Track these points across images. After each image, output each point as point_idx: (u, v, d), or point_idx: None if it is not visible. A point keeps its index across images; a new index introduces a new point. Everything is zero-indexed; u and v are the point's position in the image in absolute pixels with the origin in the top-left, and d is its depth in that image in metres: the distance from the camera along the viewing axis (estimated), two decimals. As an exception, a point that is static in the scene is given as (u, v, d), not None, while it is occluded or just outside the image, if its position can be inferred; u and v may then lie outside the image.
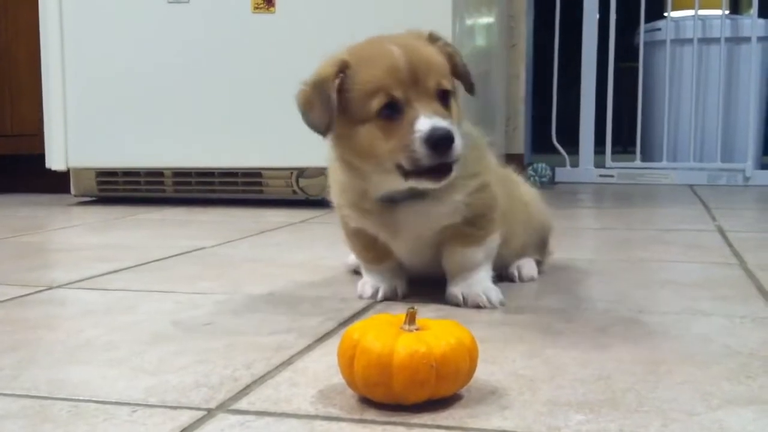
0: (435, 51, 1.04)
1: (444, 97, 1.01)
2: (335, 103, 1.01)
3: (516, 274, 1.29)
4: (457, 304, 1.12)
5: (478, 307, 1.10)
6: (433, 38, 1.07)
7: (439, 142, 0.95)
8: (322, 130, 1.05)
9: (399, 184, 1.02)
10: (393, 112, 0.98)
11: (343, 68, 1.02)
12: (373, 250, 1.16)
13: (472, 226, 1.11)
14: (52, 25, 2.52)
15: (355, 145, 1.03)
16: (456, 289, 1.13)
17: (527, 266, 1.31)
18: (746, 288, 1.23)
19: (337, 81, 1.01)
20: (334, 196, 1.16)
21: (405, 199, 1.07)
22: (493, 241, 1.14)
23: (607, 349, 0.90)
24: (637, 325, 1.01)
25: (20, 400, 0.75)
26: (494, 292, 1.12)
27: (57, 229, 2.01)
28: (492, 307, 1.10)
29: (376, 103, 0.98)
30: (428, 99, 0.98)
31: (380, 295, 1.16)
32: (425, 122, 0.96)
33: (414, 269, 1.20)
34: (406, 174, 0.99)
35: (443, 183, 1.00)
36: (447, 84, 1.01)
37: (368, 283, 1.18)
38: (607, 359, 0.86)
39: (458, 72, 1.07)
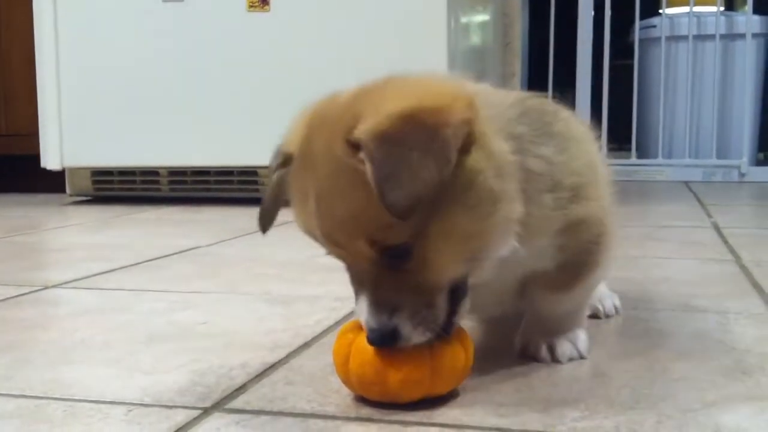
0: (362, 190, 0.63)
1: (398, 253, 0.66)
2: (277, 204, 0.81)
3: (600, 308, 1.03)
4: (534, 358, 0.84)
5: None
6: (352, 144, 0.64)
7: (379, 345, 0.69)
8: (261, 226, 0.84)
9: None
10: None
11: (285, 163, 0.75)
12: None
13: (567, 273, 0.80)
14: (47, 25, 2.51)
15: None
16: (533, 336, 0.85)
17: (608, 299, 1.05)
18: (741, 284, 1.23)
19: (278, 179, 0.77)
20: None
21: None
22: (598, 275, 0.85)
23: (602, 347, 0.90)
24: (632, 321, 1.01)
25: (15, 400, 0.75)
26: (582, 341, 0.86)
27: (52, 229, 2.01)
28: (580, 358, 0.85)
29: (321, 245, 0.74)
30: (365, 266, 0.69)
31: None
32: (360, 312, 0.70)
33: (485, 315, 0.93)
34: None
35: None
36: (386, 240, 0.66)
37: None
38: (602, 356, 0.86)
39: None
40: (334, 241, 0.69)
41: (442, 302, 0.70)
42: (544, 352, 0.84)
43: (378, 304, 0.68)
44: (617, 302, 1.05)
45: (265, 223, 0.82)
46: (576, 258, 0.79)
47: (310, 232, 0.73)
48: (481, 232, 0.68)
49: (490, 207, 0.67)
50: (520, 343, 0.86)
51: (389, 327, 0.68)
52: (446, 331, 0.70)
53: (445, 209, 0.65)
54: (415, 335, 0.68)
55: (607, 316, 1.03)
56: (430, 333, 0.69)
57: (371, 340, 0.69)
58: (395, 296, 0.68)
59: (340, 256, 0.72)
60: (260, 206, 0.80)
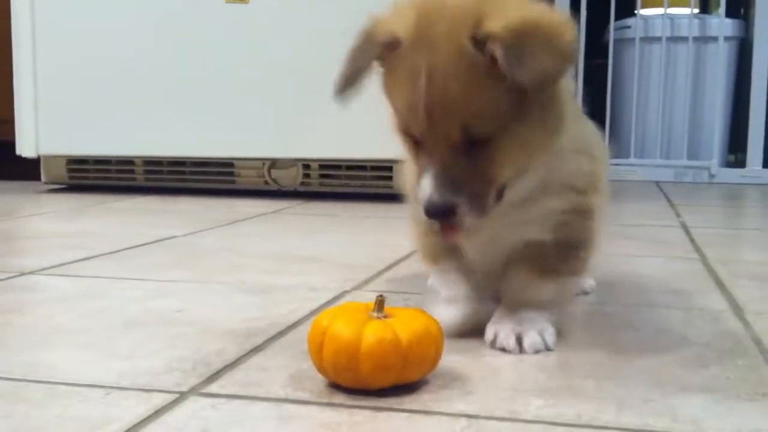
0: (475, 75, 0.77)
1: (475, 144, 0.79)
2: (365, 73, 0.85)
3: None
4: (502, 348, 0.88)
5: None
6: (479, 36, 0.77)
7: (434, 217, 0.80)
8: (337, 89, 0.87)
9: None
10: (413, 137, 0.83)
11: (392, 47, 0.83)
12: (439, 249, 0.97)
13: (556, 255, 0.91)
14: (23, 11, 2.50)
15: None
16: (504, 326, 0.89)
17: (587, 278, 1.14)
18: (705, 282, 1.27)
19: (377, 55, 0.85)
20: (409, 188, 0.95)
21: None
22: (574, 284, 0.96)
23: (568, 339, 0.93)
24: (597, 316, 1.04)
25: (-6, 382, 0.76)
26: (550, 334, 0.90)
27: (27, 216, 2.01)
28: (546, 350, 0.89)
29: (397, 122, 0.85)
30: (445, 146, 0.79)
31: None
32: (424, 187, 0.80)
33: (482, 274, 0.98)
34: None
35: (457, 235, 0.84)
36: (479, 128, 0.78)
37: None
38: (567, 348, 0.89)
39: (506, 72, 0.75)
40: (432, 117, 0.78)
41: (491, 195, 0.82)
42: (512, 342, 0.88)
43: (443, 183, 0.79)
44: (592, 282, 1.17)
45: (348, 85, 0.86)
46: (567, 241, 0.90)
47: (408, 107, 0.80)
48: (542, 145, 0.83)
49: (558, 126, 0.83)
50: (491, 334, 0.90)
51: (449, 203, 0.79)
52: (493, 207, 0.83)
53: (526, 117, 0.79)
54: (467, 216, 0.80)
55: (585, 293, 1.15)
56: (475, 218, 0.81)
57: (430, 212, 0.80)
58: (459, 179, 0.79)
59: (424, 135, 0.80)
60: (345, 70, 0.87)
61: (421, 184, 0.81)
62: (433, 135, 0.79)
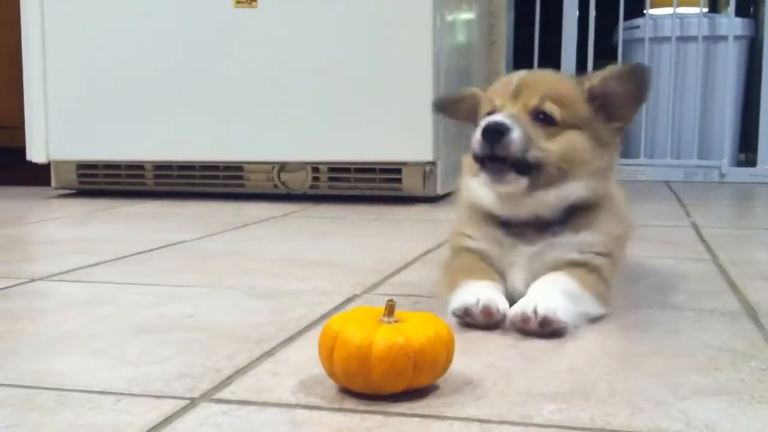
0: (562, 81, 1.06)
1: (545, 120, 1.01)
2: (462, 101, 1.13)
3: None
4: (522, 321, 0.93)
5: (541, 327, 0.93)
6: (582, 82, 1.05)
7: (487, 130, 0.98)
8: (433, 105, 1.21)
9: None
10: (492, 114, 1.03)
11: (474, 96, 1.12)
12: (479, 268, 1.04)
13: (584, 267, 1.02)
14: (33, 17, 2.51)
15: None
16: (528, 305, 0.94)
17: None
18: (717, 283, 1.26)
19: (476, 94, 1.12)
20: (461, 222, 1.11)
21: (525, 231, 1.04)
22: (596, 306, 1.01)
23: (580, 342, 0.92)
24: (609, 318, 1.03)
25: (5, 389, 0.76)
26: (564, 312, 0.94)
27: (37, 222, 2.02)
28: (560, 325, 0.93)
29: (483, 109, 1.06)
30: (520, 109, 1.01)
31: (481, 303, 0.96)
32: (491, 118, 0.99)
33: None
34: (477, 165, 1.03)
35: (503, 184, 1.00)
36: (552, 108, 1.01)
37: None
38: (579, 352, 0.89)
39: (602, 92, 1.04)
40: (518, 90, 1.02)
41: (533, 160, 0.99)
42: (531, 309, 0.93)
43: (507, 116, 0.99)
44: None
45: (442, 108, 1.19)
46: (590, 268, 1.02)
47: (502, 86, 1.05)
48: (587, 163, 1.02)
49: (607, 165, 1.05)
50: (516, 307, 0.94)
51: (506, 123, 0.98)
52: (528, 172, 1.00)
53: (589, 136, 1.03)
54: (515, 145, 0.97)
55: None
56: (519, 154, 0.98)
57: (488, 125, 0.98)
58: (520, 124, 0.99)
59: (506, 103, 1.02)
60: (445, 97, 1.21)
61: (487, 118, 1.00)
62: (513, 101, 1.01)
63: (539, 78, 1.05)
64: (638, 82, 1.03)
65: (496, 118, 0.99)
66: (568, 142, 1.01)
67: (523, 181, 1.00)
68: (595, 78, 1.04)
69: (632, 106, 1.05)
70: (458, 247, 1.10)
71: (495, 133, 0.97)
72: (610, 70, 1.04)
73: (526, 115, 1.00)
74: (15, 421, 0.68)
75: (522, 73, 1.05)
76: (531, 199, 1.02)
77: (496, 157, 0.98)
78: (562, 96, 1.02)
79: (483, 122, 0.99)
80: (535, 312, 0.92)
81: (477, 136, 0.99)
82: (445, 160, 2.35)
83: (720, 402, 0.73)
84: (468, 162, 1.07)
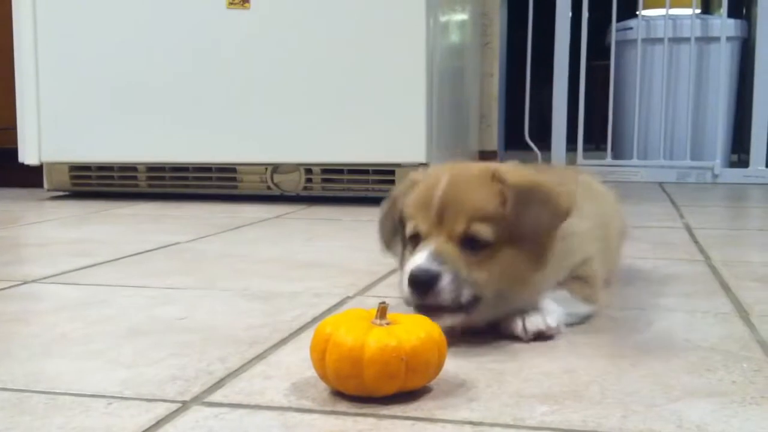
0: (483, 191, 0.92)
1: (473, 245, 0.90)
2: (394, 220, 1.00)
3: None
4: (512, 332, 0.94)
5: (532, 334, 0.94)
6: (497, 178, 0.93)
7: (415, 282, 0.88)
8: (383, 246, 1.04)
9: None
10: (417, 241, 0.93)
11: (408, 189, 0.99)
12: None
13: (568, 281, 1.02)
14: (26, 18, 2.51)
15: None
16: (516, 316, 0.95)
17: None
18: (710, 284, 1.26)
19: (399, 202, 1.00)
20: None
21: None
22: (584, 306, 1.02)
23: (573, 344, 0.92)
24: (601, 320, 1.04)
25: (-3, 393, 0.76)
26: (552, 315, 0.95)
27: (30, 224, 2.01)
28: (551, 331, 0.94)
29: (407, 229, 0.96)
30: (445, 239, 0.90)
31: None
32: (414, 260, 0.89)
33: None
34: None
35: (440, 321, 0.84)
36: (480, 231, 0.90)
37: None
38: (572, 353, 0.89)
39: (509, 217, 0.91)
40: (442, 212, 0.91)
41: (470, 294, 0.90)
42: (520, 328, 0.94)
43: (434, 257, 0.89)
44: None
45: (387, 244, 1.04)
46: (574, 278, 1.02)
47: (423, 206, 0.93)
48: (523, 277, 0.93)
49: (540, 266, 0.94)
50: (504, 326, 0.95)
51: (434, 271, 0.88)
52: (464, 310, 0.90)
53: (520, 247, 0.92)
54: (446, 294, 0.88)
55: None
56: (450, 301, 0.88)
57: (414, 276, 0.87)
58: (449, 260, 0.89)
59: (431, 229, 0.92)
60: (381, 234, 1.04)
61: (413, 259, 0.90)
62: (438, 227, 0.91)
63: (460, 194, 0.92)
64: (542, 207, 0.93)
65: (423, 263, 0.88)
66: (502, 265, 0.91)
67: (460, 317, 0.90)
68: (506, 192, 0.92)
69: (545, 233, 0.94)
70: None
71: (424, 286, 0.87)
72: (514, 192, 0.92)
73: (453, 244, 0.90)
74: (6, 425, 0.68)
75: (439, 191, 0.92)
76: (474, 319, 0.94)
77: (428, 305, 0.89)
78: (488, 213, 0.91)
79: (409, 267, 0.89)
80: (525, 330, 0.93)
81: (404, 285, 0.89)
82: (438, 161, 2.35)
83: (712, 403, 0.73)
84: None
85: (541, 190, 0.94)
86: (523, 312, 0.95)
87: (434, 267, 0.88)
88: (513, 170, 0.96)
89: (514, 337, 0.94)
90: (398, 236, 1.00)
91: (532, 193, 0.93)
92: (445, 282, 0.88)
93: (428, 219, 0.92)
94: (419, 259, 0.89)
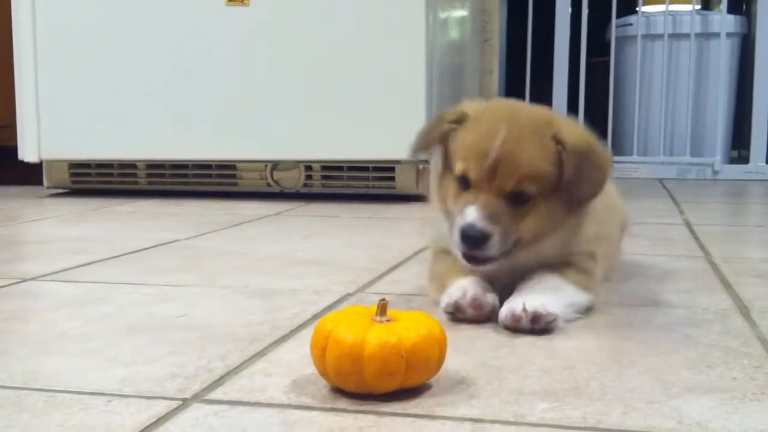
0: (538, 149, 0.97)
1: (519, 200, 0.97)
2: (436, 140, 1.06)
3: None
4: (513, 316, 0.95)
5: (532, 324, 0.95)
6: (556, 138, 0.98)
7: (467, 238, 0.96)
8: (413, 148, 1.09)
9: None
10: (466, 183, 0.99)
11: (460, 120, 1.03)
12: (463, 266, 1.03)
13: (570, 265, 1.05)
14: (25, 16, 2.50)
15: (444, 189, 1.05)
16: (517, 300, 0.97)
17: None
18: (710, 280, 1.26)
19: (447, 127, 1.04)
20: (434, 239, 1.14)
21: None
22: (582, 294, 1.03)
23: (573, 340, 0.92)
24: (601, 316, 1.04)
25: (-4, 390, 0.76)
26: (553, 304, 0.97)
27: (30, 221, 2.01)
28: (550, 317, 0.95)
29: (457, 168, 1.00)
30: (495, 192, 0.96)
31: (469, 295, 0.99)
32: (468, 215, 0.96)
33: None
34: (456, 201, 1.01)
35: (482, 269, 0.99)
36: (528, 188, 0.96)
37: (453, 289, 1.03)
38: (572, 350, 0.89)
39: (567, 181, 0.98)
40: (496, 167, 0.96)
41: (513, 243, 0.98)
42: (520, 308, 0.94)
43: (486, 215, 0.96)
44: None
45: (420, 149, 1.09)
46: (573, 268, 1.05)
47: (477, 154, 0.97)
48: (561, 224, 1.01)
49: (577, 221, 1.03)
50: (504, 308, 0.96)
51: (486, 230, 0.95)
52: (506, 255, 0.99)
53: (559, 200, 0.99)
54: (494, 250, 0.96)
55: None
56: (497, 254, 0.97)
57: (467, 234, 0.95)
58: (498, 218, 0.96)
59: (481, 179, 0.97)
60: (420, 137, 1.08)
61: (465, 212, 0.96)
62: (489, 181, 0.97)
63: (516, 151, 0.96)
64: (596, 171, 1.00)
65: (475, 222, 0.95)
66: (541, 215, 0.99)
67: (502, 262, 0.99)
68: (562, 154, 0.98)
69: (590, 192, 1.01)
70: (439, 249, 1.11)
71: (476, 242, 0.96)
72: (575, 150, 0.98)
73: (501, 199, 0.97)
74: (6, 423, 0.68)
75: (497, 143, 0.96)
76: (505, 264, 1.01)
77: (476, 256, 0.98)
78: (540, 173, 0.97)
79: (460, 223, 0.96)
80: (525, 309, 0.94)
81: (456, 238, 0.97)
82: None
83: (712, 399, 0.73)
84: (438, 194, 1.07)
85: (597, 153, 1.01)
86: (524, 297, 0.96)
87: (486, 227, 0.96)
88: (570, 129, 1.00)
89: (514, 333, 0.93)
90: (437, 152, 1.07)
91: (589, 157, 0.99)
92: (495, 240, 0.96)
93: (480, 169, 0.97)
94: (470, 216, 0.96)
